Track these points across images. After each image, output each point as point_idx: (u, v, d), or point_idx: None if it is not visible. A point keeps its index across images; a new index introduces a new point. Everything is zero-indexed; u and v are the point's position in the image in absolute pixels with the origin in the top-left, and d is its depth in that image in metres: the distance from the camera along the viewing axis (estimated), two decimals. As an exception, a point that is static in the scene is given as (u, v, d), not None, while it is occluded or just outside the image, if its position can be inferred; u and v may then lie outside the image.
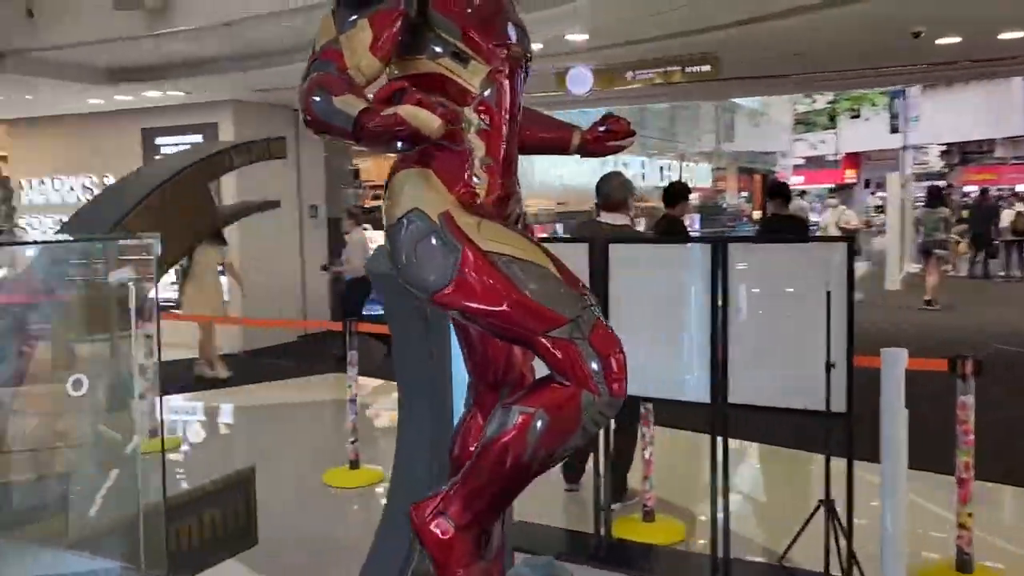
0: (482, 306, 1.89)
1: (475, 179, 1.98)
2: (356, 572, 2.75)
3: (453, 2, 1.91)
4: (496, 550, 2.24)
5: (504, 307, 1.87)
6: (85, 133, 10.93)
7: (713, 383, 3.58)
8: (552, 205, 15.52)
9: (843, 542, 3.35)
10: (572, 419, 1.87)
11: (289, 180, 10.58)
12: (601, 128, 2.41)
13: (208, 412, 7.60)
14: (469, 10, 1.93)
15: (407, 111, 1.61)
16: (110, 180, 10.93)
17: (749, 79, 9.30)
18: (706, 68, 7.54)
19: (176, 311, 9.25)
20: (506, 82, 2.00)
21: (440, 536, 2.01)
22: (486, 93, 1.97)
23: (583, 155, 2.46)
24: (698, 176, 24.88)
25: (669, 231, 5.84)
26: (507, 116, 2.02)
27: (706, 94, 12.83)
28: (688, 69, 7.65)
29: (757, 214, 23.80)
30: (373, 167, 14.84)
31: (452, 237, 1.89)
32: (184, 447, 6.31)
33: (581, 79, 7.78)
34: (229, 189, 9.99)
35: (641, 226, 16.77)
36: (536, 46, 7.44)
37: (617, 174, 4.52)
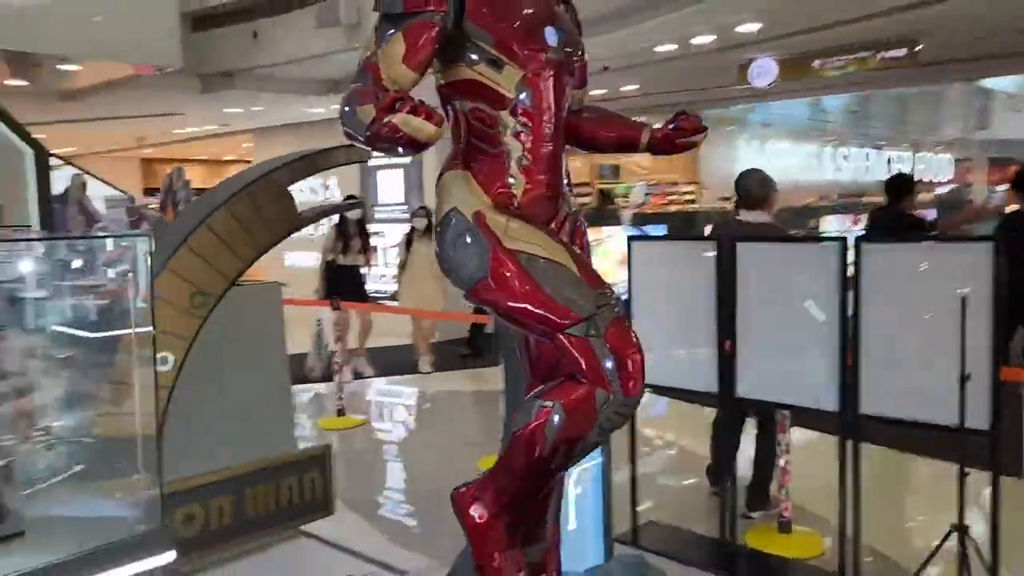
0: (508, 302, 1.97)
1: (511, 179, 2.06)
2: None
3: (486, 12, 2.00)
4: (551, 540, 2.31)
5: (526, 303, 1.94)
6: (312, 139, 12.08)
7: (842, 392, 3.38)
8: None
9: (976, 568, 3.04)
10: (587, 416, 1.90)
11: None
12: (671, 126, 2.39)
13: (399, 396, 8.15)
14: (502, 19, 2.01)
15: (399, 119, 1.73)
16: (333, 182, 12.04)
17: (957, 62, 8.38)
18: (902, 52, 6.92)
19: (392, 303, 9.94)
20: (546, 85, 2.06)
21: (476, 520, 2.11)
22: (521, 96, 2.04)
23: (653, 152, 2.45)
24: (937, 167, 22.64)
25: (892, 227, 5.42)
26: (548, 118, 2.08)
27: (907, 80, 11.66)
28: (883, 55, 7.06)
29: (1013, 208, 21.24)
30: (583, 165, 15.06)
31: (483, 236, 1.99)
32: (372, 425, 6.86)
33: (764, 71, 7.44)
34: (428, 189, 10.61)
35: (861, 224, 15.59)
36: (708, 39, 7.31)
37: (757, 170, 4.34)
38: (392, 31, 1.95)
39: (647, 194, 16.10)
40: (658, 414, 6.44)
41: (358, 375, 8.16)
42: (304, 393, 7.39)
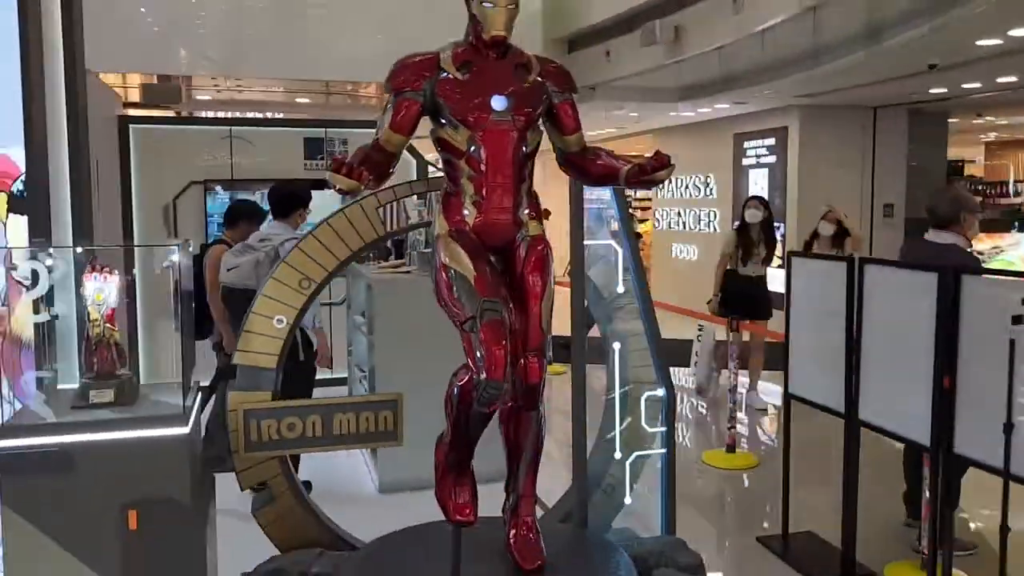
0: (441, 302, 2.69)
1: (465, 211, 2.74)
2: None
3: (447, 90, 2.69)
4: (523, 491, 2.92)
5: (447, 303, 2.65)
6: (701, 137, 12.75)
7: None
8: None
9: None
10: (469, 391, 2.56)
11: (862, 176, 10.56)
12: (639, 164, 2.80)
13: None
14: (456, 93, 2.69)
15: (328, 175, 2.55)
16: (712, 179, 12.55)
17: None
18: None
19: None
20: (492, 141, 2.67)
21: (437, 459, 2.88)
22: (471, 150, 2.70)
23: (628, 187, 2.87)
24: None
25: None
26: (495, 166, 2.69)
27: None
28: None
29: None
30: (992, 163, 13.21)
31: (437, 253, 2.73)
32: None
33: None
34: (791, 189, 10.55)
35: None
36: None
37: (952, 188, 4.04)
38: (390, 104, 2.78)
39: None
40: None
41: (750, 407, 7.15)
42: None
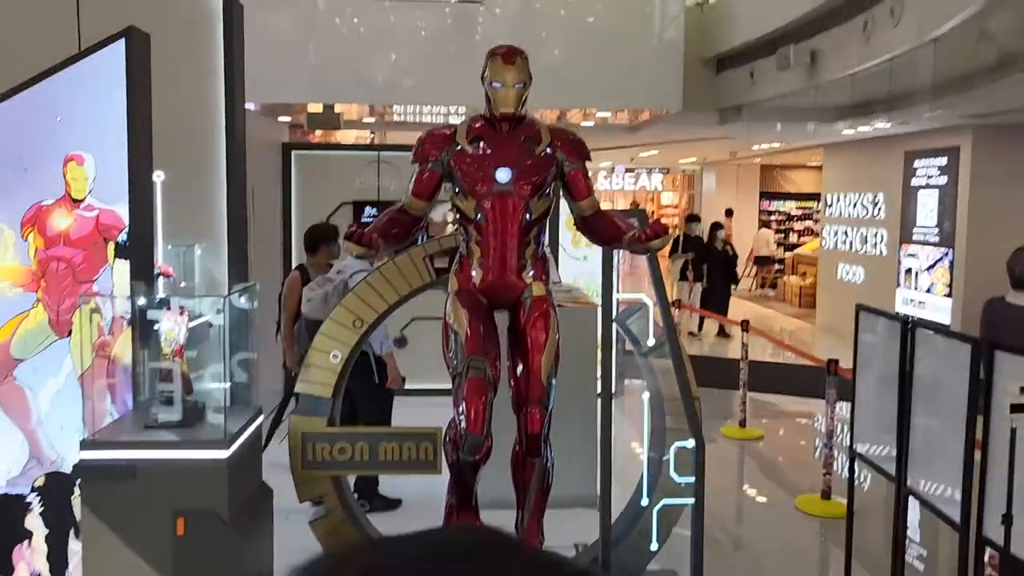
0: (443, 354, 2.96)
1: (473, 272, 3.00)
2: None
3: (459, 161, 2.96)
4: (524, 529, 3.16)
5: (444, 356, 2.92)
6: (865, 155, 12.08)
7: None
8: None
9: None
10: (457, 441, 2.81)
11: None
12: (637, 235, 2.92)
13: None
14: (464, 165, 2.94)
15: (344, 243, 2.87)
16: (881, 199, 11.85)
17: None
18: None
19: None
20: (495, 209, 2.91)
21: (447, 500, 3.17)
22: (477, 217, 2.95)
23: (629, 250, 3.01)
24: None
25: None
26: (497, 232, 2.92)
27: None
28: None
29: None
30: None
31: (446, 310, 3.01)
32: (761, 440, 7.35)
33: None
34: (961, 214, 9.75)
35: None
36: None
37: None
38: (415, 172, 3.09)
39: None
40: None
41: None
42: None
